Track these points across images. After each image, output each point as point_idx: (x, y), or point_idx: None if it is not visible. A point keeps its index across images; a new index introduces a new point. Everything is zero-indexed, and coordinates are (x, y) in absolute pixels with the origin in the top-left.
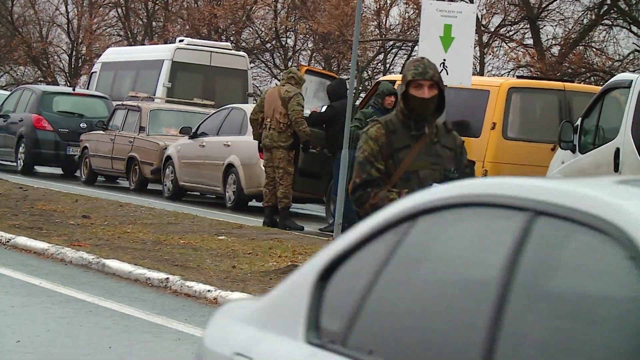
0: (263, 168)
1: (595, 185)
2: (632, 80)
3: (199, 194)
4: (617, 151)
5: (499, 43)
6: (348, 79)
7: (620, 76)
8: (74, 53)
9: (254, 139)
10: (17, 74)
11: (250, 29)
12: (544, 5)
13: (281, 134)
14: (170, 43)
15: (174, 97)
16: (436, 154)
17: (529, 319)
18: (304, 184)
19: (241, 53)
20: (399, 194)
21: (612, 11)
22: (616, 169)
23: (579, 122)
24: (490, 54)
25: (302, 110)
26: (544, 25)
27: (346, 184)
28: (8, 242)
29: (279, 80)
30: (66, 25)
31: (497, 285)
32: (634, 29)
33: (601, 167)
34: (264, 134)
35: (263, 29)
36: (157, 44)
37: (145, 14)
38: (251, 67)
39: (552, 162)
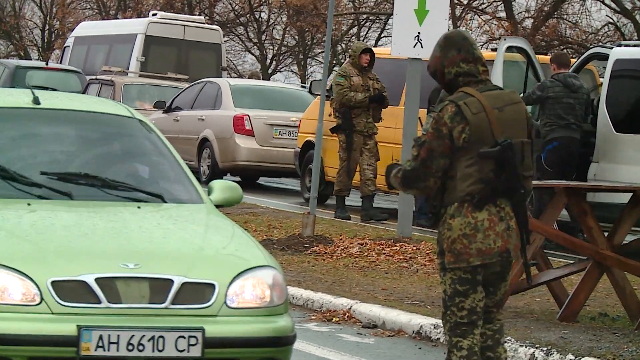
0: (238, 142)
1: None
2: (607, 53)
3: None
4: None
5: (471, 16)
6: (322, 52)
7: (596, 49)
8: (47, 27)
9: None
10: None
11: (224, 2)
12: None
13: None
14: (143, 17)
15: (148, 71)
16: None
17: None
18: None
19: (215, 27)
20: None
21: None
22: None
23: None
24: (464, 26)
25: (342, 91)
26: None
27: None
28: None
29: (252, 54)
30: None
31: None
32: (607, 1)
33: None
34: None
35: (237, 2)
36: (131, 17)
37: None
38: (225, 41)
39: None
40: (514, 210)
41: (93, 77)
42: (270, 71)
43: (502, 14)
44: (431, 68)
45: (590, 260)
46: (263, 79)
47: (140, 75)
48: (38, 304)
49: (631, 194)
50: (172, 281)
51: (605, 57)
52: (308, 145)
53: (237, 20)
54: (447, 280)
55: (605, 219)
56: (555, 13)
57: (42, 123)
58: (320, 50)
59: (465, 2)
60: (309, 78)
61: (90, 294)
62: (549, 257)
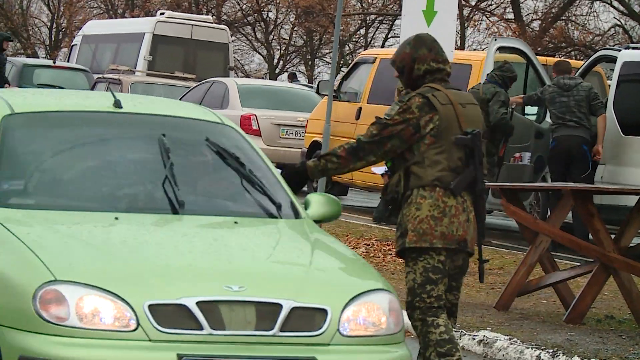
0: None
1: None
2: (615, 56)
3: None
4: None
5: (479, 17)
6: (329, 53)
7: (604, 51)
8: (54, 26)
9: None
10: None
11: (232, 1)
12: None
13: None
14: (151, 16)
15: (155, 70)
16: None
17: None
18: None
19: (222, 26)
20: None
21: None
22: None
23: None
24: (473, 26)
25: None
26: (525, 0)
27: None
28: None
29: (260, 54)
30: None
31: None
32: (615, 3)
33: None
34: None
35: (244, 2)
36: (139, 16)
37: None
38: (232, 41)
39: None
40: (474, 203)
41: (100, 75)
42: (277, 71)
43: (510, 16)
44: (398, 63)
45: (596, 263)
46: (270, 80)
47: (148, 74)
48: (134, 330)
49: (638, 196)
50: (280, 306)
51: (613, 60)
52: (315, 146)
53: (245, 20)
54: (418, 268)
55: (612, 222)
56: (563, 15)
57: (124, 129)
58: (328, 51)
59: (473, 4)
60: (316, 78)
61: (191, 320)
62: (555, 259)
